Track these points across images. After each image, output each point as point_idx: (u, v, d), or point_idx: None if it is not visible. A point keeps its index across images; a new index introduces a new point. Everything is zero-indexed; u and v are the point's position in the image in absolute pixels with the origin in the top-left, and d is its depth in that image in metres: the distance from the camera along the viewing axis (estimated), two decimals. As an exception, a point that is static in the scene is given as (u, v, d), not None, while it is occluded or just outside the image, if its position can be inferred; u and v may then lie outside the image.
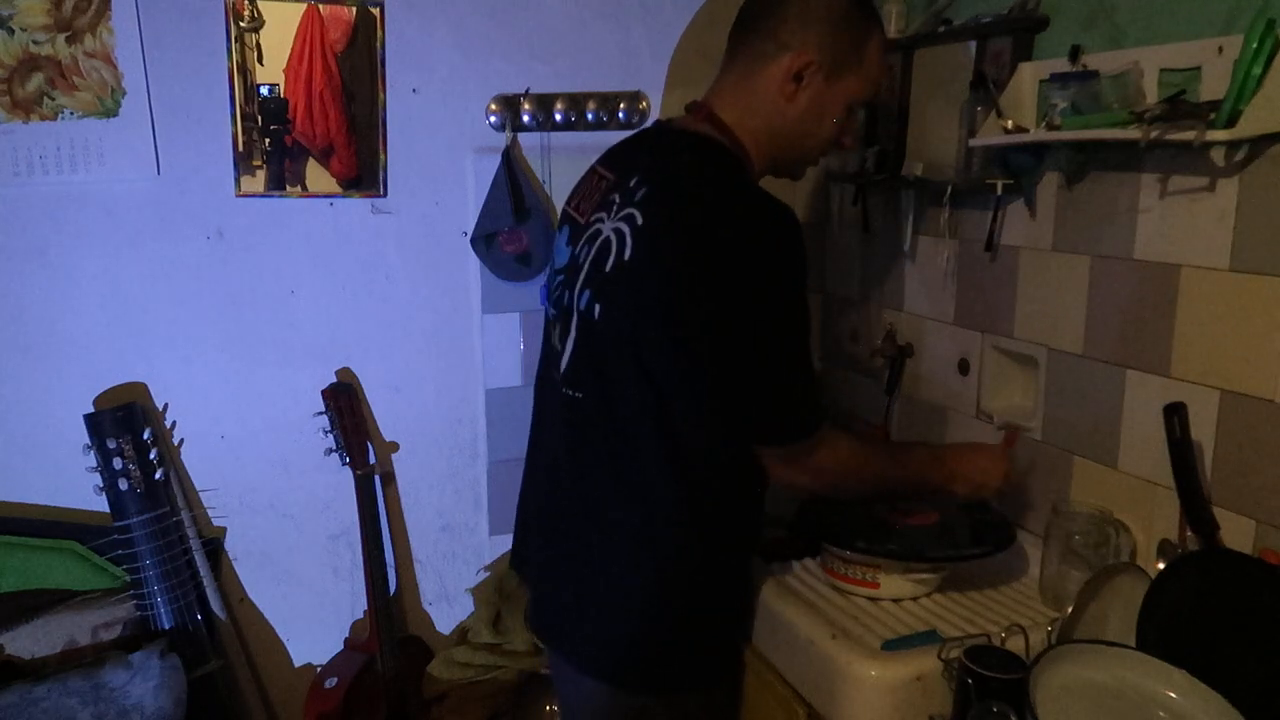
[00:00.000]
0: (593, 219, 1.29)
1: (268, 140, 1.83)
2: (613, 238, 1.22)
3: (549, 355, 1.38)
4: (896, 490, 1.45)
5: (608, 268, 1.21)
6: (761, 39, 1.27)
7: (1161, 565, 1.32)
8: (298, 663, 2.05)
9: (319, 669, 2.02)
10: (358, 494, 1.93)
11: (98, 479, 1.76)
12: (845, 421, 2.16)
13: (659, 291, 1.17)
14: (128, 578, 1.78)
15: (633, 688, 1.31)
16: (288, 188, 1.86)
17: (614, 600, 1.30)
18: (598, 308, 1.23)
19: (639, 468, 1.25)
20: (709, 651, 1.36)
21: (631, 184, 1.24)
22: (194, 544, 1.86)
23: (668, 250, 1.17)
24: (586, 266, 1.26)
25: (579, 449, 1.31)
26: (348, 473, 1.94)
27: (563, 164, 1.98)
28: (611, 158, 1.37)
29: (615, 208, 1.24)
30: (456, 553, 2.13)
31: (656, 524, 1.26)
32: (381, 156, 1.91)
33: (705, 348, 1.17)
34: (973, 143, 1.61)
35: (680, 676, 1.31)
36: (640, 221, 1.19)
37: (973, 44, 1.70)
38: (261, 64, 1.80)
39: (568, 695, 1.44)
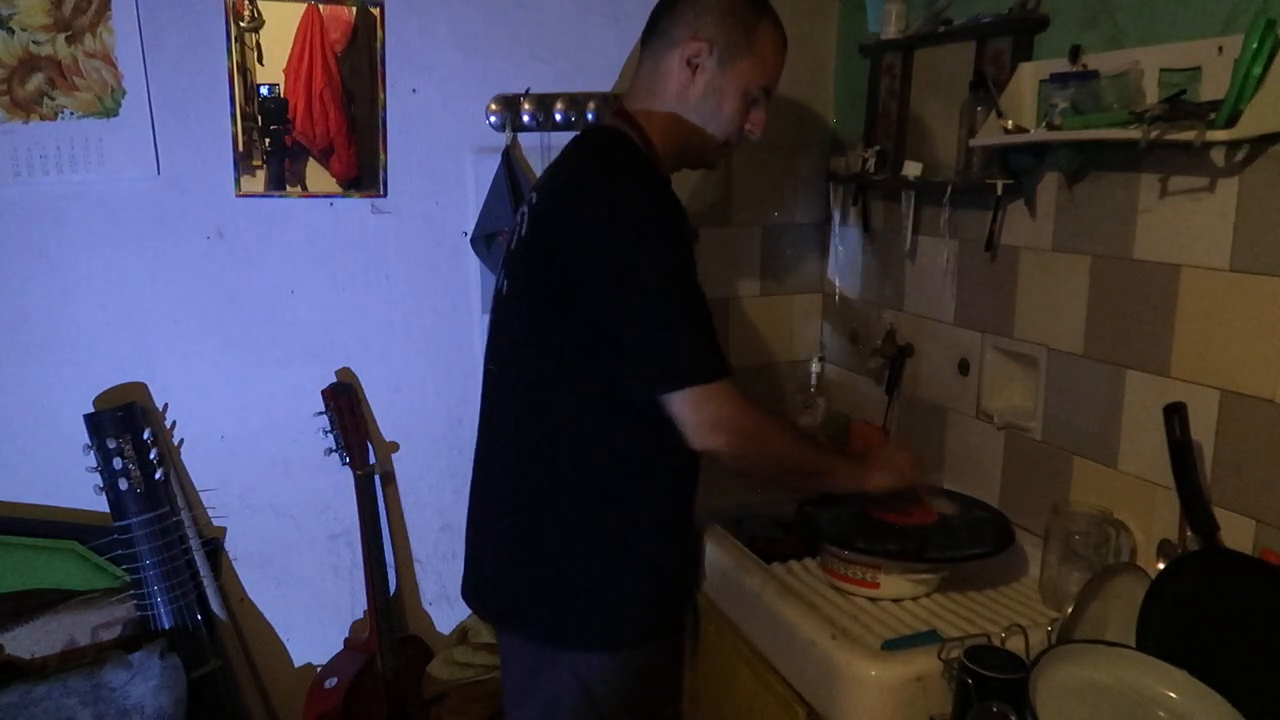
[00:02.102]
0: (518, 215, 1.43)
1: (268, 140, 1.83)
2: (519, 221, 1.38)
3: None
4: (807, 477, 1.41)
5: (513, 246, 1.38)
6: (661, 35, 1.39)
7: (1161, 565, 1.32)
8: (298, 663, 2.05)
9: (319, 669, 2.02)
10: (358, 494, 1.93)
11: (98, 479, 1.76)
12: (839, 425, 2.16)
13: (549, 260, 1.28)
14: (128, 578, 1.78)
15: (533, 640, 1.39)
16: (288, 188, 1.86)
17: (524, 565, 1.38)
18: (506, 284, 1.39)
19: (543, 435, 1.34)
20: (611, 619, 1.38)
21: (541, 177, 1.42)
22: (194, 544, 1.86)
23: (552, 223, 1.30)
24: (504, 252, 1.44)
25: (494, 420, 1.44)
26: (348, 473, 1.94)
27: (563, 164, 1.98)
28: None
29: (528, 200, 1.40)
30: (456, 553, 2.12)
31: (556, 492, 1.34)
32: (381, 156, 1.91)
33: (588, 306, 1.25)
34: (973, 143, 1.61)
35: (577, 636, 1.37)
36: (535, 201, 1.36)
37: (973, 44, 1.71)
38: (261, 64, 1.80)
39: (502, 659, 1.53)
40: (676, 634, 1.57)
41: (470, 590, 1.52)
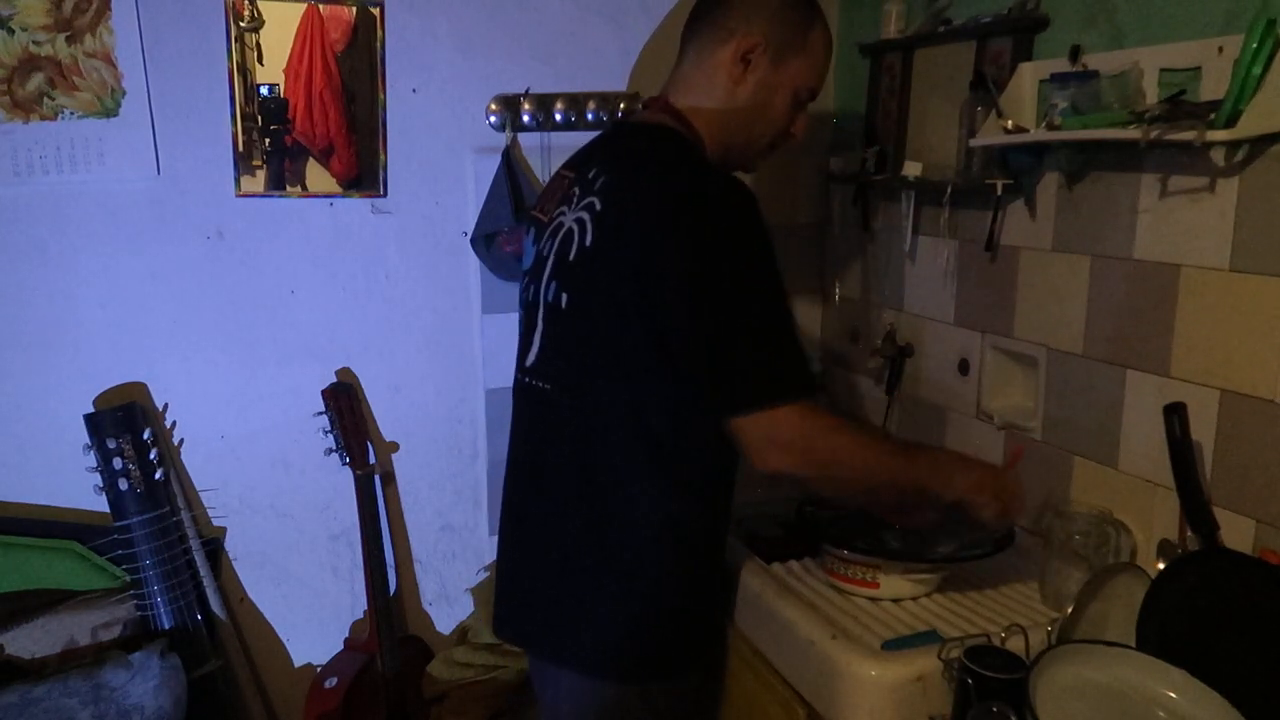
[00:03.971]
0: (555, 214, 1.32)
1: (268, 140, 1.83)
2: (574, 227, 1.25)
3: (520, 354, 1.39)
4: (891, 489, 1.30)
5: (571, 256, 1.24)
6: (711, 28, 1.33)
7: (1161, 565, 1.32)
8: (298, 663, 2.05)
9: (319, 669, 2.02)
10: (358, 494, 1.93)
11: (98, 479, 1.76)
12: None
13: (623, 272, 1.18)
14: (128, 578, 1.78)
15: (605, 678, 1.31)
16: (288, 188, 1.86)
17: (584, 594, 1.29)
18: (565, 296, 1.26)
19: (606, 457, 1.25)
20: (682, 643, 1.34)
21: (590, 175, 1.28)
22: (194, 544, 1.86)
23: (628, 232, 1.19)
24: (551, 258, 1.29)
25: (546, 441, 1.32)
26: (348, 473, 1.94)
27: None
28: (573, 159, 1.40)
29: (575, 199, 1.28)
30: (456, 553, 2.13)
31: (621, 516, 1.26)
32: (381, 156, 1.91)
33: (675, 320, 1.16)
34: (973, 143, 1.61)
35: (651, 667, 1.31)
36: (599, 207, 1.22)
37: (973, 44, 1.71)
38: (261, 64, 1.80)
39: (544, 693, 1.43)
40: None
41: (512, 627, 1.42)
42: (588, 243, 1.23)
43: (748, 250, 1.17)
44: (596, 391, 1.24)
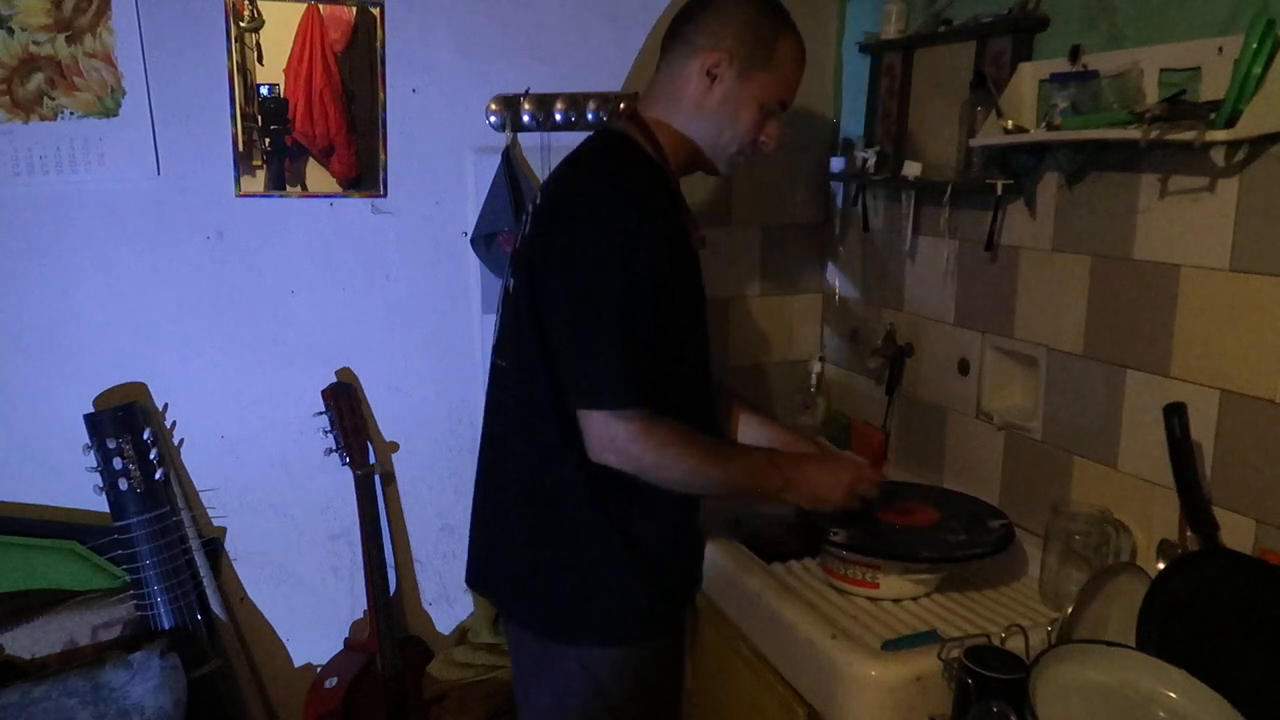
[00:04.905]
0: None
1: (268, 140, 1.83)
2: (525, 220, 1.42)
3: (494, 336, 1.50)
4: (722, 490, 1.41)
5: (518, 245, 1.42)
6: (683, 42, 1.38)
7: (1161, 565, 1.32)
8: (298, 663, 2.05)
9: (319, 669, 2.02)
10: (358, 494, 1.93)
11: (98, 479, 1.76)
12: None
13: (536, 259, 1.33)
14: (128, 578, 1.78)
15: (546, 637, 1.41)
16: (288, 188, 1.86)
17: (530, 555, 1.40)
18: (512, 282, 1.40)
19: (539, 429, 1.35)
20: (624, 614, 1.40)
21: (548, 176, 1.45)
22: (194, 544, 1.86)
23: (540, 226, 1.34)
24: (512, 252, 1.46)
25: (501, 414, 1.45)
26: (348, 473, 1.94)
27: (563, 164, 1.98)
28: None
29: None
30: (456, 553, 2.13)
31: (556, 487, 1.36)
32: (381, 156, 1.91)
33: (547, 308, 1.30)
34: (973, 143, 1.61)
35: (589, 632, 1.39)
36: (539, 202, 1.40)
37: (973, 44, 1.71)
38: (261, 64, 1.80)
39: (509, 645, 1.58)
40: (678, 631, 1.57)
41: (474, 577, 1.57)
42: (526, 233, 1.39)
43: (612, 262, 1.25)
44: (531, 368, 1.34)
